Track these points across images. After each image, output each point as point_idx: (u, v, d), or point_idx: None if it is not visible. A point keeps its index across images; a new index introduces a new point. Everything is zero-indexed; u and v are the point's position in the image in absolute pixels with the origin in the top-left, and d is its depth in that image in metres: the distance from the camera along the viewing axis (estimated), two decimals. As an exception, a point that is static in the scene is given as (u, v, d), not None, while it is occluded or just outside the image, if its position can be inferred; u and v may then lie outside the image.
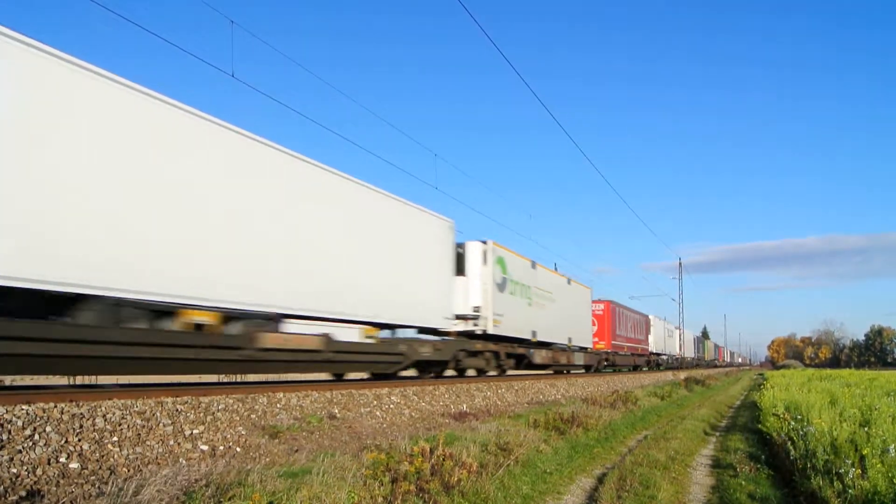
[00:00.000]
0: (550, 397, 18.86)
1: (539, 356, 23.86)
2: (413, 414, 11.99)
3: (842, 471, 7.17)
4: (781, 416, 11.38)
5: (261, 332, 11.04)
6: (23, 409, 6.59)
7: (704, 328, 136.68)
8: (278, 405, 9.71)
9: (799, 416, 10.82)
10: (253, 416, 8.94)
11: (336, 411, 10.42)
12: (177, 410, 7.99)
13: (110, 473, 6.07)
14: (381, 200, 14.75)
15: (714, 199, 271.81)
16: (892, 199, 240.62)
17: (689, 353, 66.18)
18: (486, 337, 19.50)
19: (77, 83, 8.52)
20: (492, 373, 21.12)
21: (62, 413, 6.79)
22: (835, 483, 7.12)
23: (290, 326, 11.88)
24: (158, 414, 7.67)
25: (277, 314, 11.60)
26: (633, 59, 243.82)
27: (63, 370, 9.57)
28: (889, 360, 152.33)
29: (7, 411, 6.47)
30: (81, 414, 6.91)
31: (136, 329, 9.18)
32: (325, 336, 12.52)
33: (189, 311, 9.98)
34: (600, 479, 8.59)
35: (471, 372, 20.65)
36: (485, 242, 19.85)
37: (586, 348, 30.84)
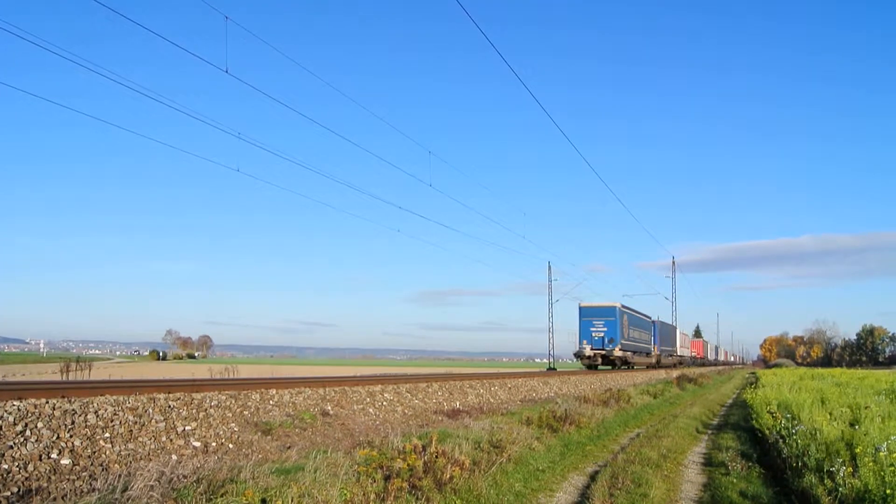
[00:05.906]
0: (543, 395, 18.89)
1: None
2: (406, 411, 11.98)
3: (833, 469, 7.20)
4: (774, 414, 11.42)
5: None
6: (14, 405, 6.56)
7: (697, 327, 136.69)
8: (271, 402, 9.70)
9: (789, 415, 10.85)
10: (246, 412, 8.92)
11: (329, 408, 10.41)
12: (169, 407, 7.97)
13: (102, 469, 6.05)
14: None
15: (709, 198, 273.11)
16: (885, 200, 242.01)
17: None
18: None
19: None
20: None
21: (54, 409, 6.76)
22: (825, 481, 7.14)
23: None
24: (151, 410, 7.64)
25: None
26: (629, 62, 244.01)
27: None
28: (880, 360, 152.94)
29: (-2, 407, 6.44)
30: (73, 410, 6.88)
31: None
32: None
33: None
34: (593, 477, 8.60)
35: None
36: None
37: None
